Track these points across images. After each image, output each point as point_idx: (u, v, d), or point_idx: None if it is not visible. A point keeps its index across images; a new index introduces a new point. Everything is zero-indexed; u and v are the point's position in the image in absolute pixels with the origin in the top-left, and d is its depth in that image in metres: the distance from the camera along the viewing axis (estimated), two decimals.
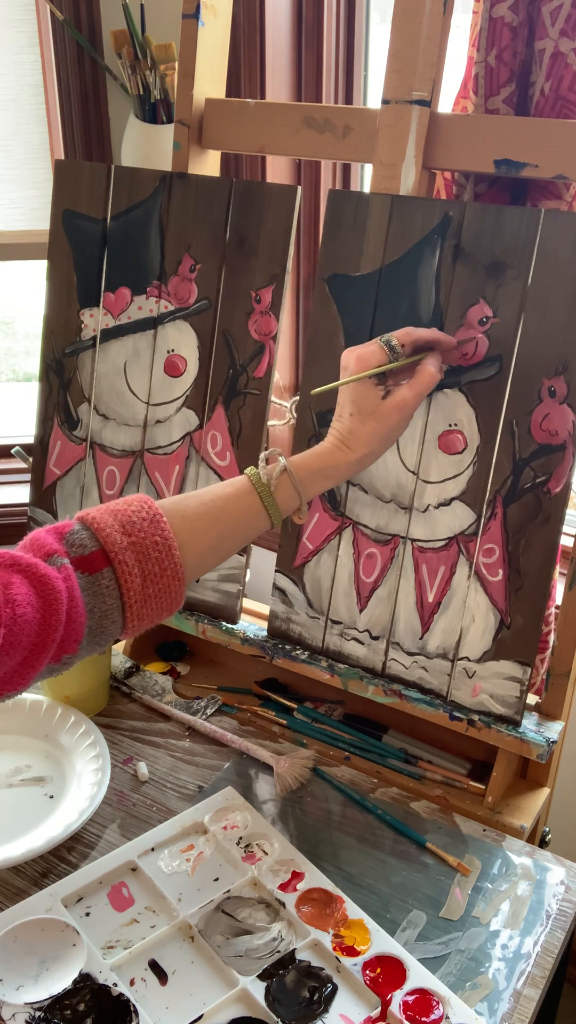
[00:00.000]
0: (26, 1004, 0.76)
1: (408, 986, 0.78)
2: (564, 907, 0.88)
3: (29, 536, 0.75)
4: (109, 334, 1.18)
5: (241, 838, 0.93)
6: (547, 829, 1.09)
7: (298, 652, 1.10)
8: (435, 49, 0.94)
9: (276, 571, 1.11)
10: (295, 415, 1.09)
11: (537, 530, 0.94)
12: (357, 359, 0.88)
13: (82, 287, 1.19)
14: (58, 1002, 0.76)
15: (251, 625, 1.15)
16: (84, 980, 0.78)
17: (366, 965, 0.80)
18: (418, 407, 0.91)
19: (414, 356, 0.91)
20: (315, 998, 0.78)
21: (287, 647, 1.11)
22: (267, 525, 0.85)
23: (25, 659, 0.70)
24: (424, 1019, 0.76)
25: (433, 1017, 0.76)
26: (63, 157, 1.52)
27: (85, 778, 0.98)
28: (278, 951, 0.81)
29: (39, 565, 0.71)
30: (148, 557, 0.76)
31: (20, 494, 1.70)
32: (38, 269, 1.30)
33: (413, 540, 1.01)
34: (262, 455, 0.87)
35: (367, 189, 1.03)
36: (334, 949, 0.81)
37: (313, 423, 1.06)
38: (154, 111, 1.38)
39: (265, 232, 1.06)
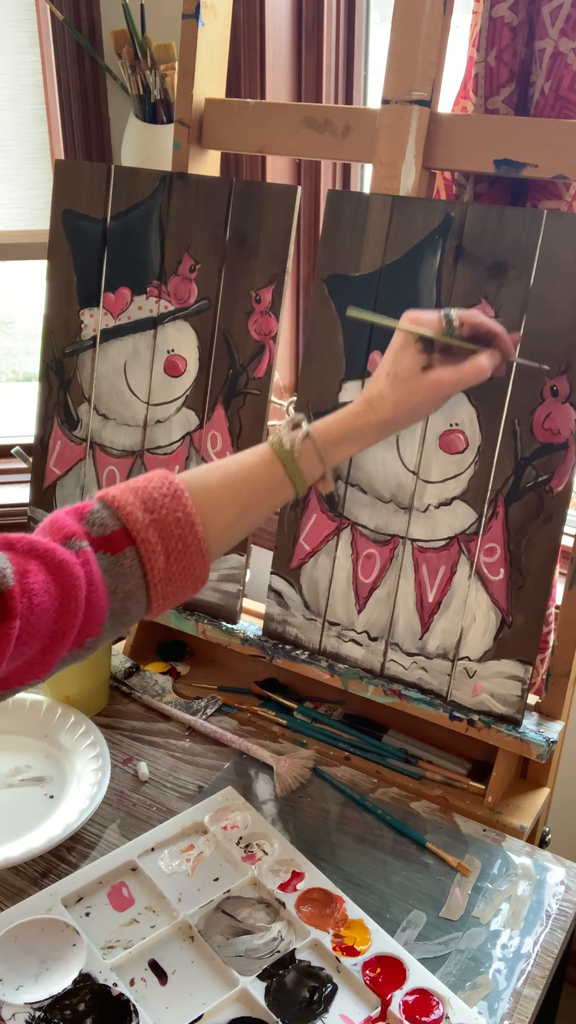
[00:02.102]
0: (26, 1004, 0.76)
1: (408, 986, 0.78)
2: (564, 907, 0.88)
3: (49, 517, 0.73)
4: (109, 334, 1.18)
5: (241, 838, 0.93)
6: (547, 829, 1.09)
7: (298, 652, 1.10)
8: (435, 49, 0.94)
9: (272, 573, 1.11)
10: (291, 415, 1.08)
11: (539, 529, 0.94)
12: (412, 319, 0.85)
13: (82, 287, 1.19)
14: (58, 1002, 0.76)
15: (251, 625, 1.15)
16: (84, 980, 0.78)
17: (366, 965, 0.80)
18: (455, 394, 0.88)
19: (469, 344, 0.86)
20: (315, 998, 0.77)
21: (287, 647, 1.11)
22: (292, 494, 0.83)
23: (45, 647, 0.68)
24: (424, 1019, 0.76)
25: (433, 1017, 0.76)
26: (63, 157, 1.52)
27: (85, 778, 0.98)
28: (278, 951, 0.81)
29: (57, 551, 0.69)
30: (171, 534, 0.74)
31: (20, 494, 1.70)
32: (38, 269, 1.30)
33: (413, 540, 1.01)
34: (284, 421, 0.84)
35: (367, 189, 1.03)
36: (334, 949, 0.81)
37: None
38: (154, 111, 1.38)
39: (265, 232, 1.06)
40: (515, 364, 0.92)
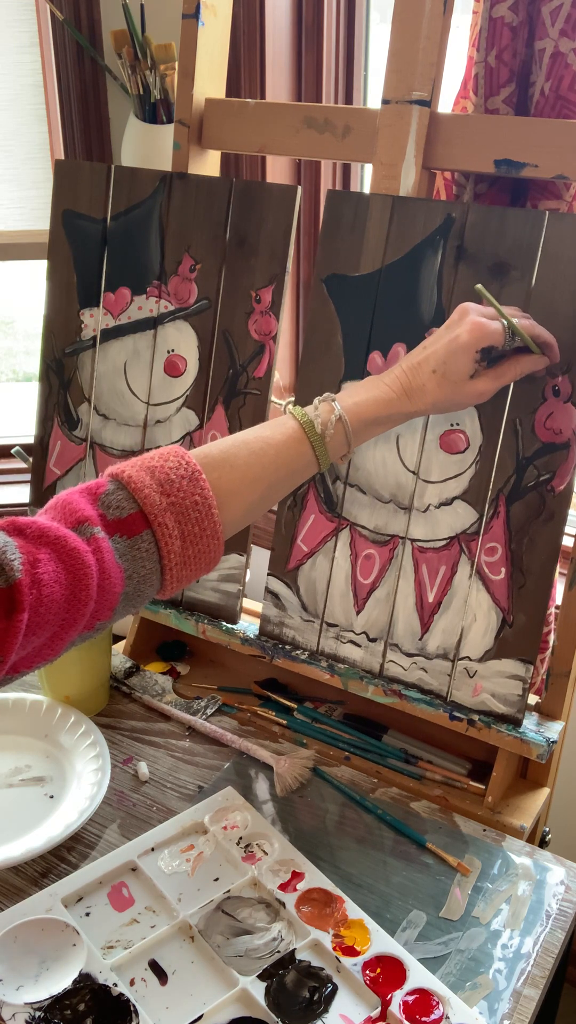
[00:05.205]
0: (26, 1004, 0.76)
1: (408, 986, 0.78)
2: (564, 907, 0.88)
3: (59, 497, 0.71)
4: (109, 334, 1.18)
5: (241, 838, 0.93)
6: (547, 829, 1.09)
7: (298, 652, 1.10)
8: (435, 49, 0.94)
9: (269, 574, 1.11)
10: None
11: (541, 528, 0.94)
12: (474, 327, 0.83)
13: (82, 287, 1.19)
14: (58, 1002, 0.76)
15: (251, 625, 1.15)
16: (84, 980, 0.78)
17: (366, 965, 0.80)
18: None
19: (533, 345, 0.86)
20: (315, 998, 0.77)
21: (287, 647, 1.11)
22: (315, 471, 0.82)
23: (55, 634, 0.67)
24: (424, 1019, 0.76)
25: (433, 1017, 0.76)
26: (63, 157, 1.52)
27: (85, 778, 0.98)
28: (278, 951, 0.81)
29: (69, 538, 0.67)
30: (188, 518, 0.72)
31: (20, 494, 1.70)
32: (38, 269, 1.30)
33: (413, 540, 1.01)
34: (317, 398, 0.82)
35: (367, 189, 1.03)
36: (334, 949, 0.81)
37: None
38: (154, 111, 1.38)
39: (265, 232, 1.06)
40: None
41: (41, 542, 0.67)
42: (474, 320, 0.84)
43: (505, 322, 0.84)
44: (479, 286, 0.87)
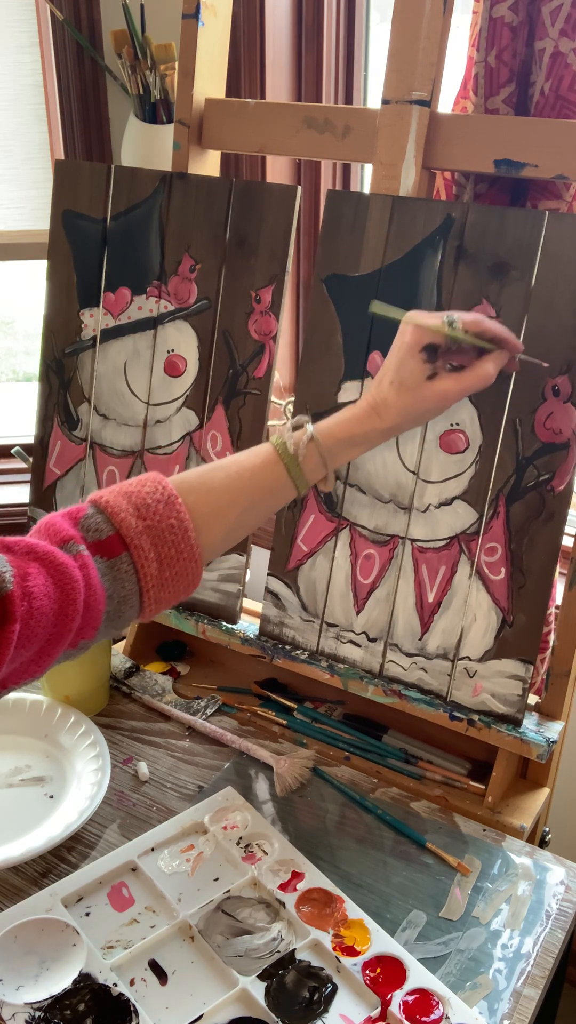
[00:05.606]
0: (26, 1004, 0.76)
1: (408, 986, 0.78)
2: (564, 907, 0.88)
3: (42, 521, 0.73)
4: (109, 334, 1.18)
5: (241, 838, 0.93)
6: (547, 829, 1.09)
7: (298, 652, 1.10)
8: (435, 49, 0.94)
9: (269, 574, 1.11)
10: (288, 417, 1.08)
11: (541, 528, 0.94)
12: (414, 328, 0.83)
13: (82, 287, 1.19)
14: (58, 1002, 0.76)
15: (251, 625, 1.15)
16: (84, 980, 0.78)
17: (366, 965, 0.80)
18: (459, 400, 0.87)
19: (476, 340, 0.85)
20: (315, 998, 0.77)
21: (287, 647, 1.11)
22: (293, 495, 0.83)
23: (41, 649, 0.68)
24: (424, 1019, 0.76)
25: (433, 1017, 0.76)
26: (63, 157, 1.52)
27: (85, 778, 0.98)
28: (278, 951, 0.81)
29: (56, 553, 0.69)
30: (164, 541, 0.74)
31: (20, 494, 1.69)
32: (38, 269, 1.30)
33: (413, 540, 1.01)
34: (290, 422, 0.83)
35: (367, 189, 1.03)
36: (334, 949, 0.81)
37: None
38: (154, 111, 1.38)
39: (265, 232, 1.06)
40: (519, 360, 0.91)
41: (30, 557, 0.68)
42: (410, 314, 0.85)
43: (445, 318, 0.83)
44: (374, 304, 0.89)
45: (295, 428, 0.83)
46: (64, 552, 0.70)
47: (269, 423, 1.10)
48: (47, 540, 0.71)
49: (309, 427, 0.82)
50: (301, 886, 0.87)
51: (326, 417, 0.85)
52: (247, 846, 0.92)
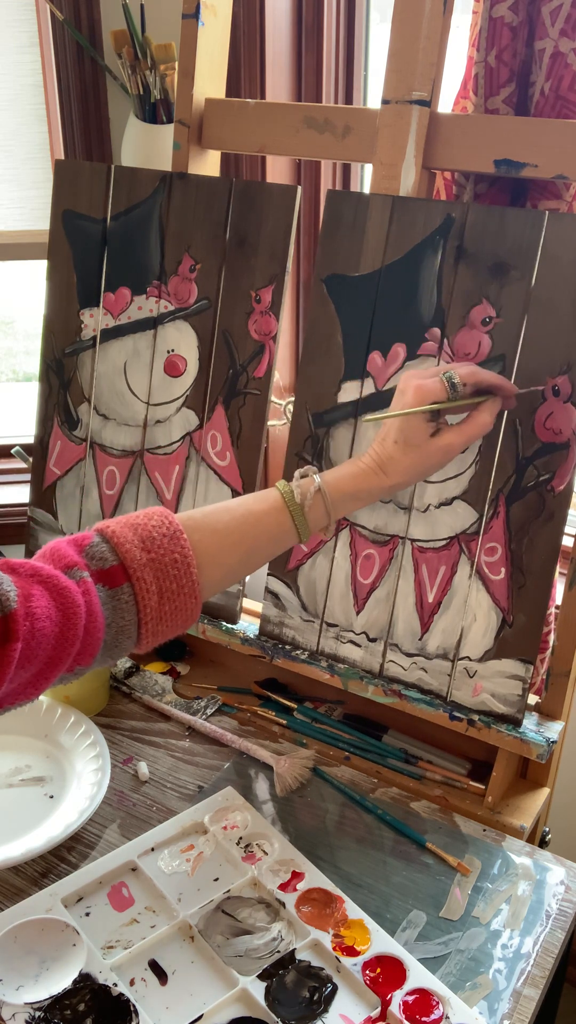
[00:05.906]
0: (26, 1004, 0.76)
1: (408, 986, 0.78)
2: (564, 907, 0.88)
3: (48, 546, 0.74)
4: (109, 334, 1.18)
5: (241, 838, 0.93)
6: (547, 829, 1.09)
7: (298, 652, 1.10)
8: (435, 49, 0.94)
9: (268, 574, 1.11)
10: (288, 417, 1.08)
11: (541, 528, 0.94)
12: (416, 390, 0.84)
13: (82, 287, 1.19)
14: (58, 1002, 0.76)
15: (251, 625, 1.15)
16: (84, 980, 0.78)
17: (366, 965, 0.80)
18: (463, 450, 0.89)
19: (473, 399, 0.88)
20: (315, 998, 0.77)
21: (287, 647, 1.11)
22: (295, 543, 0.84)
23: (40, 671, 0.70)
24: (424, 1019, 0.76)
25: (433, 1017, 0.76)
26: (63, 157, 1.52)
27: (85, 778, 0.98)
28: (278, 951, 0.81)
29: (60, 577, 0.70)
30: (166, 575, 0.75)
31: (20, 494, 1.69)
32: (38, 269, 1.30)
33: (413, 540, 1.01)
34: (297, 472, 0.85)
35: (367, 189, 1.03)
36: (334, 949, 0.81)
37: (309, 423, 1.06)
38: (154, 111, 1.37)
39: (265, 232, 1.06)
40: (515, 396, 0.93)
41: (34, 580, 0.69)
42: (415, 384, 0.86)
43: (444, 376, 0.85)
44: (366, 418, 0.93)
45: (302, 477, 0.84)
46: (68, 577, 0.71)
47: (269, 423, 1.10)
48: (52, 564, 0.72)
49: (316, 478, 0.84)
50: (301, 886, 0.87)
51: (329, 470, 0.87)
52: (247, 846, 0.92)
